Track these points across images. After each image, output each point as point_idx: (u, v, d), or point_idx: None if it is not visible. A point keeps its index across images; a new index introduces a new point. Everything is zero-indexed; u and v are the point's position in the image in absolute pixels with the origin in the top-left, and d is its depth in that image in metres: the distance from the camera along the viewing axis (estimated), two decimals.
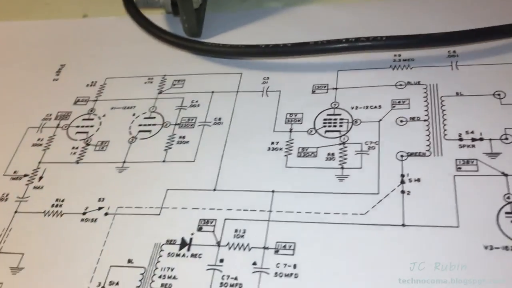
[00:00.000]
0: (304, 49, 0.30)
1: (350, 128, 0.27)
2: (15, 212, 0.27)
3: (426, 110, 0.27)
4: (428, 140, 0.26)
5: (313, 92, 0.29)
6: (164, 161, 0.28)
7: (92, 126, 0.30)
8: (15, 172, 0.29)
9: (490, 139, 0.25)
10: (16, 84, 0.34)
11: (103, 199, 0.27)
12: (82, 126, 0.31)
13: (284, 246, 0.24)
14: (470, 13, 0.31)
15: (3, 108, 0.33)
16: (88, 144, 0.30)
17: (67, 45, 0.36)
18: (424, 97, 0.27)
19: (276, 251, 0.24)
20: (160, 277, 0.24)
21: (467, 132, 0.26)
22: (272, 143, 0.28)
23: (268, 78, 0.31)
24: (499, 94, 0.27)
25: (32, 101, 0.32)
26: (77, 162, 0.29)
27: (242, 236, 0.25)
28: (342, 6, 0.33)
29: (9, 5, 0.40)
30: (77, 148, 0.30)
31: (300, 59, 0.31)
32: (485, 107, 0.26)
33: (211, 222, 0.25)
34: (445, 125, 0.26)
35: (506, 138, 0.25)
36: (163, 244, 0.25)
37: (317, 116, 0.28)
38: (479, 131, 0.26)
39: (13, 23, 0.38)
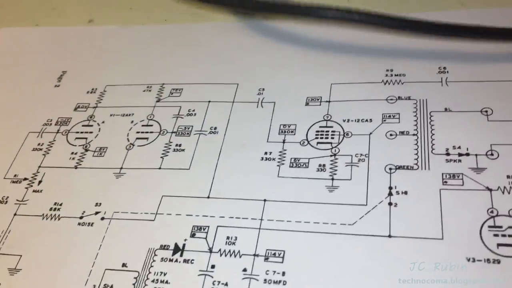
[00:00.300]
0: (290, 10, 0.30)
1: (341, 140, 0.28)
2: (14, 214, 0.28)
3: (415, 125, 0.28)
4: (416, 154, 0.27)
5: (307, 104, 0.30)
6: (160, 168, 0.29)
7: (91, 132, 0.31)
8: (15, 175, 0.30)
9: (476, 155, 0.26)
10: (19, 89, 0.35)
11: (100, 204, 0.28)
12: (82, 132, 0.31)
13: (274, 254, 0.25)
14: None
15: (6, 112, 0.33)
16: (86, 150, 0.30)
17: (69, 52, 0.36)
18: (414, 112, 0.28)
19: (266, 259, 0.25)
20: (153, 281, 0.25)
21: (454, 147, 0.26)
22: (266, 153, 0.28)
23: (263, 89, 0.31)
24: (486, 111, 0.28)
25: (34, 106, 0.33)
26: (76, 167, 0.30)
27: (234, 243, 0.25)
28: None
29: (16, 10, 0.41)
30: (76, 153, 0.30)
31: (294, 72, 0.32)
32: (472, 123, 0.27)
33: (204, 229, 0.26)
34: (433, 139, 0.27)
35: (492, 154, 0.26)
36: (157, 249, 0.26)
37: (309, 128, 0.29)
38: (466, 147, 0.26)
39: (19, 29, 0.39)
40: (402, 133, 0.28)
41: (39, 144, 0.31)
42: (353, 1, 0.35)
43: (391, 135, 0.28)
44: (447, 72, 0.30)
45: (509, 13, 0.32)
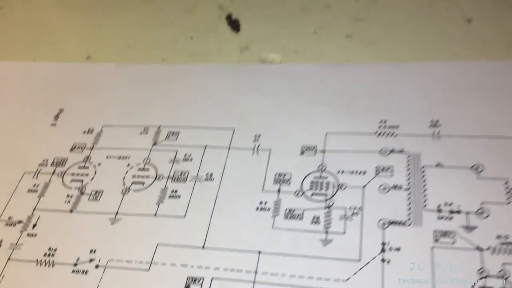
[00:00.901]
0: None
1: (336, 192, 0.29)
2: (8, 259, 0.28)
3: (408, 179, 0.28)
4: (409, 209, 0.27)
5: (302, 153, 0.31)
6: (155, 215, 0.29)
7: (87, 175, 0.31)
8: (9, 218, 0.30)
9: (467, 212, 0.27)
10: (15, 127, 0.35)
11: (95, 250, 0.28)
12: (77, 174, 0.32)
13: None
14: (451, 80, 0.32)
15: (1, 151, 0.33)
16: (82, 193, 0.31)
17: (67, 89, 0.36)
18: (406, 165, 0.29)
19: None
20: None
21: (445, 204, 0.27)
22: (261, 202, 0.29)
23: (259, 136, 0.32)
24: (477, 168, 0.28)
25: (30, 145, 0.33)
26: (71, 211, 0.30)
27: None
28: (332, 66, 0.35)
29: (14, 44, 0.41)
30: (71, 196, 0.30)
31: (290, 117, 0.32)
32: (463, 180, 0.28)
33: (199, 281, 0.26)
34: (425, 195, 0.28)
35: (482, 213, 0.26)
36: None
37: (304, 178, 0.29)
38: (457, 204, 0.27)
39: (16, 64, 0.39)
40: (395, 187, 0.28)
41: (34, 185, 0.31)
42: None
43: (384, 189, 0.28)
44: (440, 125, 0.30)
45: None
